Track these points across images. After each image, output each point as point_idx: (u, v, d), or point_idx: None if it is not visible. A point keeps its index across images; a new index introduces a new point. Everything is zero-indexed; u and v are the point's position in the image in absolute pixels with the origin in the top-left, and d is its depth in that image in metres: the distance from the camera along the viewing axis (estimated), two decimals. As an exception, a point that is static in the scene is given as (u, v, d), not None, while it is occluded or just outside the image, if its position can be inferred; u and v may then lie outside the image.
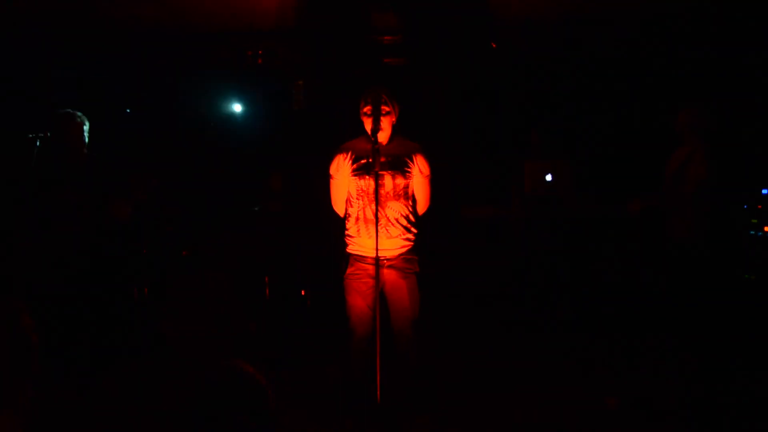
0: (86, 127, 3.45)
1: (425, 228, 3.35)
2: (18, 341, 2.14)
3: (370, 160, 3.04)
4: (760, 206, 4.35)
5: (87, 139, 3.45)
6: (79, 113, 3.44)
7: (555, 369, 4.05)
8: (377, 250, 2.97)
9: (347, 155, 3.19)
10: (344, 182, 3.21)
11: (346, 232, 3.27)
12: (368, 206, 3.15)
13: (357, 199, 3.19)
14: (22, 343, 2.16)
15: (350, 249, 3.26)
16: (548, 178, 4.59)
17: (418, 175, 3.21)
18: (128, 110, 5.27)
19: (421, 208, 3.32)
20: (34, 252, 3.26)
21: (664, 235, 4.10)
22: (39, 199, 3.28)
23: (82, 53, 5.03)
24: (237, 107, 5.41)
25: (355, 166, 3.17)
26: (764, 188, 4.39)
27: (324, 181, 3.30)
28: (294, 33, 4.88)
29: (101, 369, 3.45)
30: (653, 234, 4.30)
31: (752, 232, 4.36)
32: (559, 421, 3.35)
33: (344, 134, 3.32)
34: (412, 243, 3.25)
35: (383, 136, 3.12)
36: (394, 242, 3.19)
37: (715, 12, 4.50)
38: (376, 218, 3.02)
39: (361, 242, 3.21)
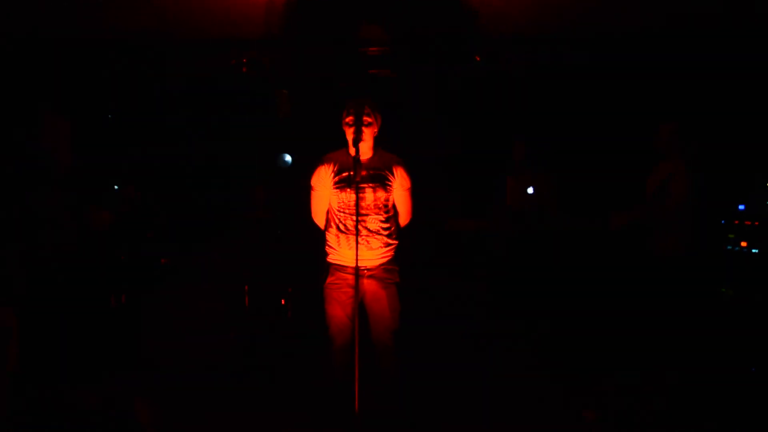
0: (69, 130, 3.43)
1: (408, 240, 3.36)
2: None
3: (352, 173, 3.05)
4: (736, 221, 4.42)
5: (70, 143, 3.43)
6: (63, 115, 3.43)
7: (535, 382, 4.05)
8: (357, 260, 2.97)
9: (329, 167, 3.19)
10: (325, 194, 3.21)
11: (327, 242, 3.27)
12: (349, 218, 3.15)
13: (338, 211, 3.18)
14: None
15: (330, 258, 3.25)
16: (530, 191, 4.62)
17: (399, 188, 3.21)
18: (110, 116, 5.23)
19: (403, 220, 3.33)
20: (13, 255, 3.22)
21: (646, 249, 4.14)
22: (19, 201, 3.26)
23: (64, 59, 4.99)
24: None
25: (336, 179, 3.16)
26: (741, 204, 4.45)
27: (305, 190, 3.29)
28: (280, 42, 4.89)
29: (78, 375, 3.40)
30: (635, 248, 4.33)
31: (729, 247, 4.42)
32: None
33: (327, 144, 3.32)
34: (392, 253, 3.25)
35: (365, 147, 3.13)
36: (374, 253, 3.19)
37: (695, 29, 4.59)
38: (356, 230, 3.02)
39: (341, 253, 3.20)
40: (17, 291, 3.09)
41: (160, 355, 4.23)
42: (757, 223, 4.33)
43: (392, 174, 3.18)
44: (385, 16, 4.66)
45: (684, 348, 3.91)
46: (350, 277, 3.13)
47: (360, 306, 3.14)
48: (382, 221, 3.19)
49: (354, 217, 3.07)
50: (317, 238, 3.35)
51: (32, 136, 3.40)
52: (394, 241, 3.25)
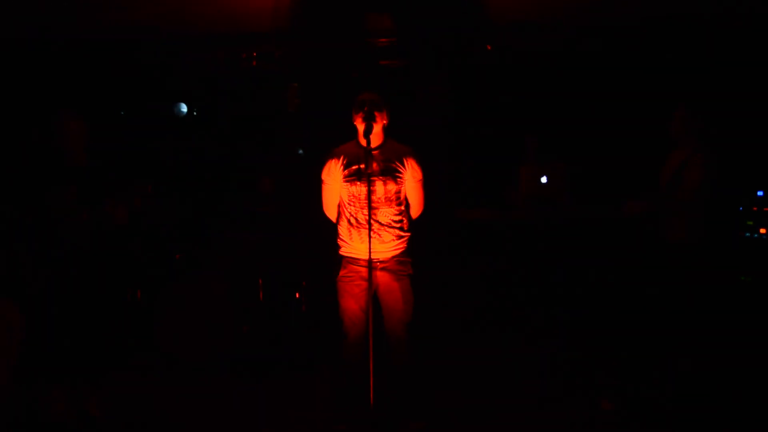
0: (84, 128, 3.45)
1: (419, 230, 3.34)
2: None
3: (362, 165, 3.04)
4: (755, 208, 4.35)
5: (85, 140, 3.45)
6: (77, 113, 3.44)
7: (550, 371, 4.03)
8: (369, 252, 2.96)
9: (339, 160, 3.18)
10: (336, 187, 3.21)
11: (339, 236, 3.27)
12: (360, 211, 3.14)
13: (349, 204, 3.18)
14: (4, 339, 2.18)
15: (343, 252, 3.25)
16: (543, 180, 4.58)
17: (411, 180, 3.20)
18: (122, 112, 5.27)
19: (415, 212, 3.31)
20: (29, 252, 3.25)
21: (660, 237, 4.09)
22: (35, 199, 3.28)
23: (76, 57, 5.03)
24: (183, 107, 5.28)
25: (346, 172, 3.15)
26: (759, 190, 4.38)
27: (317, 183, 3.29)
28: (289, 35, 4.87)
29: (94, 371, 3.44)
30: (649, 236, 4.29)
31: (747, 234, 4.35)
32: (555, 424, 3.34)
33: (338, 137, 3.31)
34: (405, 245, 3.23)
35: (375, 140, 3.11)
36: (386, 246, 3.18)
37: (708, 15, 4.51)
38: (368, 224, 3.01)
39: (353, 246, 3.20)
40: (31, 289, 3.12)
41: (175, 349, 4.26)
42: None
43: (403, 166, 3.17)
44: (393, 6, 4.63)
45: (700, 336, 3.87)
46: (363, 270, 3.13)
47: (373, 298, 3.14)
48: (393, 214, 3.18)
49: (365, 210, 3.06)
50: (330, 230, 3.34)
51: (46, 134, 3.42)
52: (406, 233, 3.24)
